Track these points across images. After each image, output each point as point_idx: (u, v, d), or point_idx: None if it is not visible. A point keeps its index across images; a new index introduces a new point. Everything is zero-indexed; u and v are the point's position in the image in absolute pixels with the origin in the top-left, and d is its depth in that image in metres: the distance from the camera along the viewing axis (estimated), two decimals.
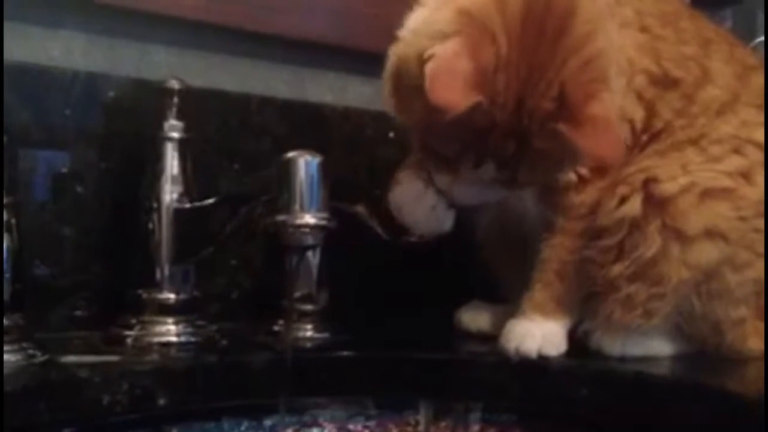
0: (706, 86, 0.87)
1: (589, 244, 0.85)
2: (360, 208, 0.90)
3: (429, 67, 0.73)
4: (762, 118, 0.87)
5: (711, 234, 0.82)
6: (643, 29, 0.86)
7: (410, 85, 0.77)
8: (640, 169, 0.84)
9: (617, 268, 0.83)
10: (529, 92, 0.75)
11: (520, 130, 0.76)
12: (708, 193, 0.82)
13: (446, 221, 0.89)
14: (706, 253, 0.82)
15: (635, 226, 0.82)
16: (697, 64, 0.88)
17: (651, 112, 0.86)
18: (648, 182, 0.83)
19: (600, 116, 0.75)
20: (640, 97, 0.85)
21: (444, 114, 0.72)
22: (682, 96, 0.86)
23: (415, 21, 0.81)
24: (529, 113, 0.75)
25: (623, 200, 0.83)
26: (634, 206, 0.82)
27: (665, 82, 0.86)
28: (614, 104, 0.78)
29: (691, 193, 0.82)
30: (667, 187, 0.82)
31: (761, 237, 0.83)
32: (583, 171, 0.86)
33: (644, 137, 0.86)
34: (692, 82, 0.87)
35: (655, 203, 0.82)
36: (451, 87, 0.73)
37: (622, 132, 0.77)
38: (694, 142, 0.86)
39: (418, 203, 0.88)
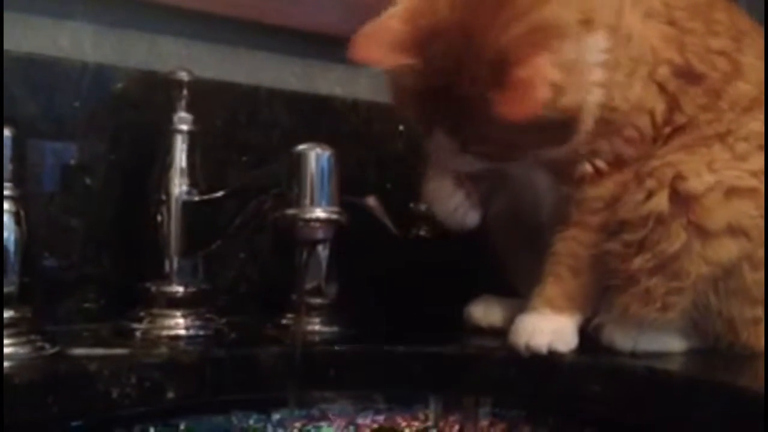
0: (735, 81, 0.86)
1: (611, 237, 0.84)
2: (371, 201, 0.90)
3: (362, 30, 0.77)
4: None
5: (733, 230, 0.81)
6: (671, 22, 0.85)
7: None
8: (666, 164, 0.83)
9: (638, 261, 0.82)
10: (467, 57, 0.75)
11: (461, 95, 0.76)
12: (733, 192, 0.82)
13: (468, 220, 0.91)
14: (727, 249, 0.81)
15: (660, 221, 0.81)
16: (727, 58, 0.86)
17: (674, 105, 0.85)
18: (675, 179, 0.82)
19: (524, 79, 0.73)
20: (662, 89, 0.84)
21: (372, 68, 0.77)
22: (708, 92, 0.85)
23: None
24: (468, 79, 0.75)
25: (650, 195, 0.82)
26: (661, 202, 0.81)
27: (689, 76, 0.85)
28: (551, 71, 0.75)
29: (716, 191, 0.81)
30: (695, 185, 0.81)
31: None
32: (600, 164, 0.85)
33: (666, 129, 0.85)
34: (720, 78, 0.86)
35: (682, 200, 0.81)
36: (376, 44, 0.76)
37: (543, 95, 0.74)
38: (721, 138, 0.85)
39: (446, 202, 0.92)
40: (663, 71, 0.84)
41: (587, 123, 0.81)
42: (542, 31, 0.76)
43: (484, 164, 0.84)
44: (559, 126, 0.79)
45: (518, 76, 0.73)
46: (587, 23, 0.79)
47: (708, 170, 0.82)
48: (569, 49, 0.78)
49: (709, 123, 0.85)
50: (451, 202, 0.91)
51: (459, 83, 0.76)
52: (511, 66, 0.74)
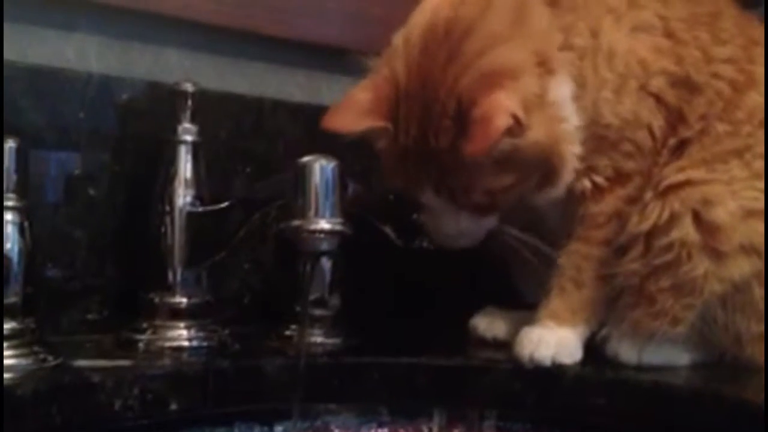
0: (749, 92, 0.86)
1: (627, 255, 0.84)
2: (388, 230, 0.91)
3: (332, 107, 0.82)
4: None
5: (746, 249, 0.81)
6: (669, 34, 0.85)
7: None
8: (689, 182, 0.83)
9: (654, 282, 0.82)
10: (427, 115, 0.79)
11: (431, 151, 0.79)
12: (750, 213, 0.82)
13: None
14: (739, 267, 0.81)
15: (683, 246, 0.81)
16: (735, 66, 0.86)
17: (676, 116, 0.85)
18: (700, 203, 0.82)
19: (478, 117, 0.76)
20: (660, 100, 0.84)
21: (345, 137, 0.80)
22: (716, 101, 0.85)
23: None
24: (434, 134, 0.79)
25: (674, 217, 0.82)
26: (689, 231, 0.81)
27: (688, 86, 0.85)
28: (509, 103, 0.76)
29: (737, 216, 0.82)
30: (721, 215, 0.81)
31: None
32: (599, 179, 0.85)
33: (671, 141, 0.85)
34: (728, 87, 0.85)
35: (706, 228, 0.81)
36: (345, 113, 0.82)
37: (501, 123, 0.75)
38: (738, 153, 0.84)
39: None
40: (657, 82, 0.84)
41: (569, 163, 0.83)
42: (491, 74, 0.78)
43: (485, 221, 0.85)
44: (541, 165, 0.81)
45: (475, 115, 0.76)
46: (544, 64, 0.81)
47: (730, 194, 0.82)
48: (528, 85, 0.79)
49: (727, 135, 0.85)
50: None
51: (427, 139, 0.79)
52: (468, 110, 0.76)
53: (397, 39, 0.84)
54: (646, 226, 0.83)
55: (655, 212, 0.83)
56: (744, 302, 0.83)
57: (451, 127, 0.78)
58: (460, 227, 0.85)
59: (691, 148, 0.85)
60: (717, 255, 0.81)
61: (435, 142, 0.79)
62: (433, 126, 0.79)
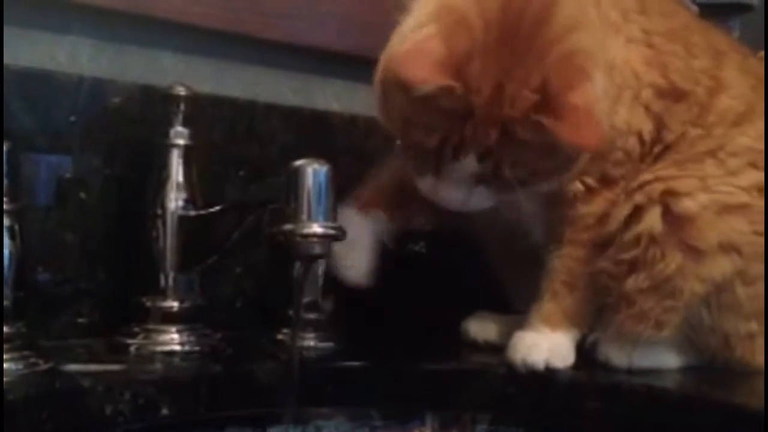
0: (720, 95, 0.87)
1: (601, 254, 0.84)
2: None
3: (402, 49, 0.76)
4: None
5: (725, 248, 0.81)
6: (650, 47, 0.86)
7: (393, 81, 0.77)
8: (657, 178, 0.83)
9: (633, 282, 0.82)
10: (508, 79, 0.74)
11: (501, 117, 0.74)
12: (725, 209, 0.82)
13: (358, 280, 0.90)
14: (720, 266, 0.81)
15: (653, 241, 0.81)
16: (708, 75, 0.87)
17: (660, 124, 0.86)
18: (666, 195, 0.82)
19: (580, 106, 0.74)
20: (648, 109, 0.85)
21: (415, 90, 0.73)
22: (693, 106, 0.86)
23: (402, 26, 0.82)
24: (510, 101, 0.74)
25: (639, 211, 0.82)
26: (654, 224, 0.81)
27: (674, 95, 0.86)
28: (596, 97, 0.76)
29: (710, 210, 0.82)
30: (689, 206, 0.81)
31: None
32: (590, 181, 0.85)
33: (656, 148, 0.86)
34: (704, 92, 0.86)
35: (675, 220, 0.81)
36: (421, 64, 0.74)
37: (602, 122, 0.76)
38: (712, 153, 0.85)
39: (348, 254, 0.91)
40: (646, 94, 0.85)
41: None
42: (579, 56, 0.76)
43: (491, 199, 0.81)
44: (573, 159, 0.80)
45: (572, 102, 0.73)
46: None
47: (702, 188, 0.82)
48: (598, 78, 0.78)
49: (700, 138, 0.86)
50: (353, 257, 0.91)
51: (500, 105, 0.74)
52: (562, 92, 0.74)
53: None
54: (614, 223, 0.83)
55: (622, 209, 0.83)
56: (729, 303, 0.83)
57: (530, 97, 0.74)
58: (466, 199, 0.80)
59: (669, 153, 0.86)
60: (694, 253, 0.81)
61: (510, 108, 0.74)
62: (510, 92, 0.74)
